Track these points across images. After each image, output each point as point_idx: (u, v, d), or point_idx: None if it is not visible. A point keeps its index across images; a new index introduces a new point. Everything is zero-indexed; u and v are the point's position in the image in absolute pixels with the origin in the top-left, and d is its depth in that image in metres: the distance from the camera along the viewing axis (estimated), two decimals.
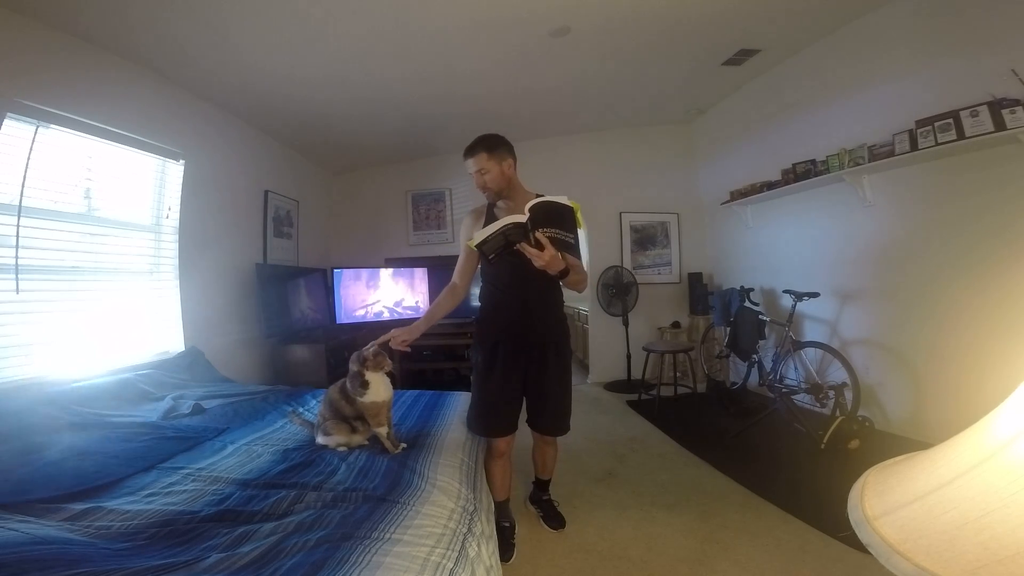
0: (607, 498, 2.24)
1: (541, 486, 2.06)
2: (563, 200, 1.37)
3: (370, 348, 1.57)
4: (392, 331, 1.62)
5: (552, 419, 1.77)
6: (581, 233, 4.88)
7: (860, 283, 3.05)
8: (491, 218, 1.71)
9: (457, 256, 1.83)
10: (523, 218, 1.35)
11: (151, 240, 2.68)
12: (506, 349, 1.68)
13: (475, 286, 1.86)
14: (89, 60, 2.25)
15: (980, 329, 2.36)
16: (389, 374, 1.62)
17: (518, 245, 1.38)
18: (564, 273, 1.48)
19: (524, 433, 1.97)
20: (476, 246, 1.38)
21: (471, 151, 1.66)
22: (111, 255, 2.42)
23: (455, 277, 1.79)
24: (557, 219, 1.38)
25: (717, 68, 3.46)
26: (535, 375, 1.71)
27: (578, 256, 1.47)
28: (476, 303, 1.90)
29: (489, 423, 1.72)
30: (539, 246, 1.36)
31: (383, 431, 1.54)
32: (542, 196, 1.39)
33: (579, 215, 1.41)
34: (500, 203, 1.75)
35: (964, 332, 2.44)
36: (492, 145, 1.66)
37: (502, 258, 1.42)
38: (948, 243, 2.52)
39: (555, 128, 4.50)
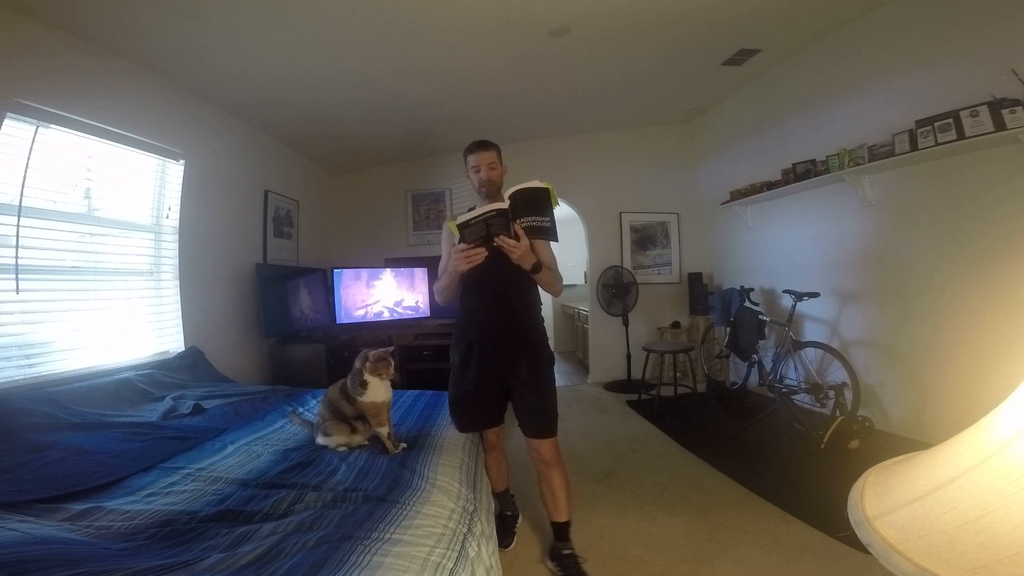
0: (607, 498, 2.24)
1: (559, 533, 1.70)
2: (537, 184, 1.42)
3: (375, 352, 1.56)
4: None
5: (532, 420, 1.65)
6: (579, 230, 4.81)
7: (860, 283, 3.05)
8: None
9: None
10: (504, 205, 1.39)
11: (151, 240, 2.67)
12: (481, 350, 1.67)
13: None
14: (89, 60, 2.25)
15: (980, 329, 2.36)
16: (393, 382, 1.62)
17: (498, 238, 1.42)
18: (536, 268, 1.54)
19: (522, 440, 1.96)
20: (458, 226, 1.41)
21: (487, 146, 1.70)
22: (111, 255, 2.41)
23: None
24: (535, 205, 1.44)
25: (717, 68, 3.46)
26: (512, 376, 1.66)
27: (555, 237, 1.49)
28: None
29: (459, 420, 1.74)
30: (516, 237, 1.43)
31: (384, 431, 1.54)
32: (517, 186, 1.43)
33: (553, 195, 1.44)
34: (478, 207, 1.76)
35: (964, 332, 2.44)
36: (499, 149, 1.73)
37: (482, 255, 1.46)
38: (948, 243, 2.52)
39: (555, 128, 4.50)
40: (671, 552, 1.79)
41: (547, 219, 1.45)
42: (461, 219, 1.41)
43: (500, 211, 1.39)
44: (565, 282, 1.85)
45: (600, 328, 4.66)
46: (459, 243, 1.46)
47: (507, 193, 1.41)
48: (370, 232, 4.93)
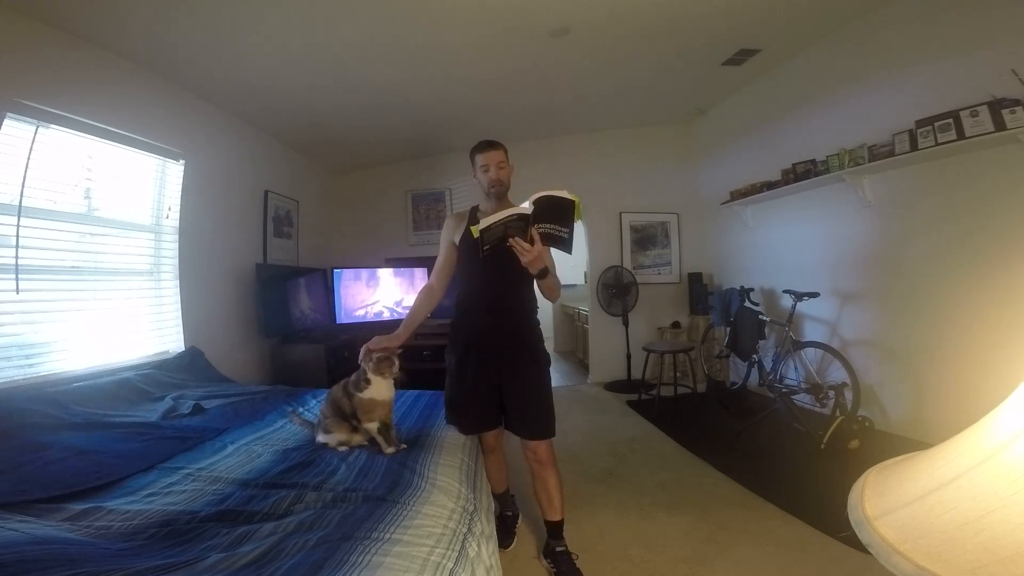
0: (607, 498, 2.24)
1: (553, 531, 1.73)
2: (564, 194, 1.39)
3: (373, 357, 1.57)
4: (374, 339, 1.57)
5: (529, 425, 1.66)
6: (579, 230, 4.78)
7: (860, 283, 3.05)
8: (474, 222, 1.65)
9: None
10: (528, 210, 1.37)
11: (151, 240, 2.67)
12: (478, 353, 1.67)
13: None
14: (89, 60, 2.25)
15: (980, 329, 2.36)
16: (396, 380, 1.63)
17: (512, 240, 1.39)
18: (543, 274, 1.50)
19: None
20: (480, 231, 1.38)
21: (496, 145, 1.69)
22: (111, 255, 2.41)
23: (432, 278, 1.80)
24: (557, 214, 1.40)
25: (717, 68, 3.46)
26: (509, 381, 1.66)
27: (570, 249, 1.46)
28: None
29: (459, 424, 1.73)
30: (531, 242, 1.38)
31: (372, 427, 1.54)
32: (545, 191, 1.39)
33: (579, 209, 1.41)
34: (482, 207, 1.76)
35: (964, 332, 2.44)
36: (506, 148, 1.72)
37: (489, 256, 1.42)
38: (948, 243, 2.51)
39: (555, 128, 4.50)
40: (671, 552, 1.79)
41: (566, 230, 1.42)
42: (484, 223, 1.38)
43: (522, 215, 1.37)
44: (565, 282, 1.84)
45: (600, 328, 4.65)
46: (478, 242, 1.41)
47: (532, 197, 1.37)
48: (370, 232, 4.93)
